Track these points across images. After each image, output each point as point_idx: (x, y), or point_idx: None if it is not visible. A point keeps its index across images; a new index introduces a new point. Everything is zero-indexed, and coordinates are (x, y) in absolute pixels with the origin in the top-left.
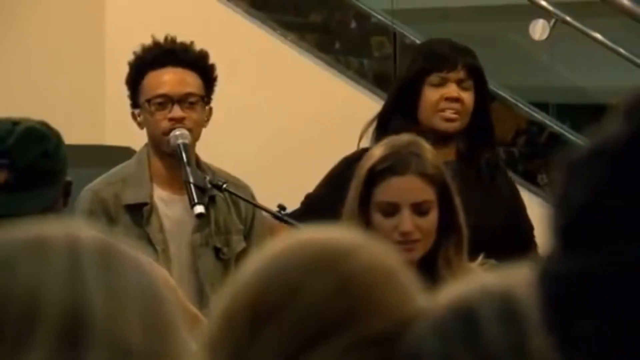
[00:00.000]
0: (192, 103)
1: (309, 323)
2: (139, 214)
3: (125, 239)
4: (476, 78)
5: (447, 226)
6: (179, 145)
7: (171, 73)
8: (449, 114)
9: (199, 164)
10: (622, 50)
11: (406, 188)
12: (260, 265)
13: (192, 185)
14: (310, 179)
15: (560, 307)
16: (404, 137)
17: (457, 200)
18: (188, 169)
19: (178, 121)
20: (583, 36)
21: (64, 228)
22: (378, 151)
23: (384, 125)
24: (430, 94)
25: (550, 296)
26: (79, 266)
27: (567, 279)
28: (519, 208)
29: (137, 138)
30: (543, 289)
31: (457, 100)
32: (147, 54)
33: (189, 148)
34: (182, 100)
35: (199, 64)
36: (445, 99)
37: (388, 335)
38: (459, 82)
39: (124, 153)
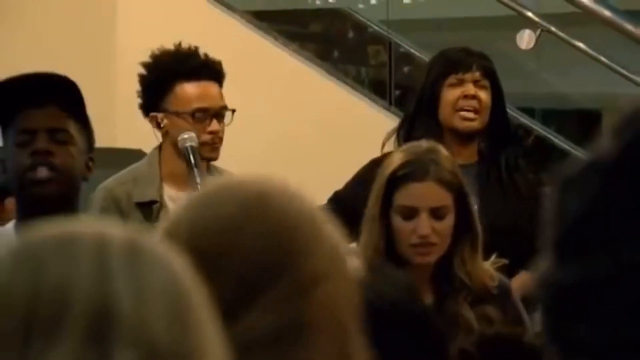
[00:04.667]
0: (223, 115)
1: (253, 266)
2: (149, 211)
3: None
4: (491, 79)
5: (462, 229)
6: (186, 148)
7: (208, 87)
8: (467, 113)
9: (208, 166)
10: (603, 59)
11: (425, 193)
12: (196, 210)
13: (199, 187)
14: (310, 181)
15: (560, 315)
16: (423, 144)
17: (473, 204)
18: (196, 171)
19: (216, 134)
20: (567, 45)
21: (92, 226)
22: (398, 157)
23: (408, 132)
24: (449, 94)
25: (550, 305)
26: (106, 264)
27: (565, 287)
28: (536, 209)
29: (147, 141)
30: (543, 298)
31: (474, 97)
32: (180, 64)
33: (197, 151)
34: (217, 113)
35: (220, 75)
36: (463, 97)
37: (326, 274)
38: (475, 82)
39: (134, 155)
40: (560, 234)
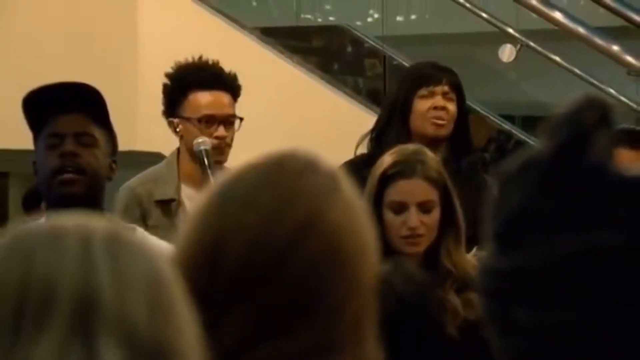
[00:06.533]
0: (231, 122)
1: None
2: (168, 208)
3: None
4: (457, 92)
5: (447, 223)
6: (200, 151)
7: (219, 96)
8: (437, 121)
9: (222, 168)
10: (577, 70)
11: (413, 189)
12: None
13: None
14: None
15: (498, 299)
16: (411, 146)
17: (456, 201)
18: (209, 171)
19: (223, 139)
20: (544, 59)
21: (77, 220)
22: (389, 158)
23: (379, 135)
24: (420, 105)
25: (489, 290)
26: (90, 255)
27: (503, 274)
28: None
29: (165, 144)
30: (483, 283)
31: (443, 108)
32: (195, 74)
33: (210, 153)
34: (225, 120)
35: (234, 87)
36: (433, 108)
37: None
38: (444, 94)
39: (153, 157)
40: (500, 225)
